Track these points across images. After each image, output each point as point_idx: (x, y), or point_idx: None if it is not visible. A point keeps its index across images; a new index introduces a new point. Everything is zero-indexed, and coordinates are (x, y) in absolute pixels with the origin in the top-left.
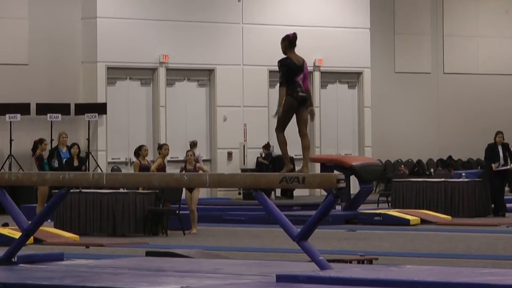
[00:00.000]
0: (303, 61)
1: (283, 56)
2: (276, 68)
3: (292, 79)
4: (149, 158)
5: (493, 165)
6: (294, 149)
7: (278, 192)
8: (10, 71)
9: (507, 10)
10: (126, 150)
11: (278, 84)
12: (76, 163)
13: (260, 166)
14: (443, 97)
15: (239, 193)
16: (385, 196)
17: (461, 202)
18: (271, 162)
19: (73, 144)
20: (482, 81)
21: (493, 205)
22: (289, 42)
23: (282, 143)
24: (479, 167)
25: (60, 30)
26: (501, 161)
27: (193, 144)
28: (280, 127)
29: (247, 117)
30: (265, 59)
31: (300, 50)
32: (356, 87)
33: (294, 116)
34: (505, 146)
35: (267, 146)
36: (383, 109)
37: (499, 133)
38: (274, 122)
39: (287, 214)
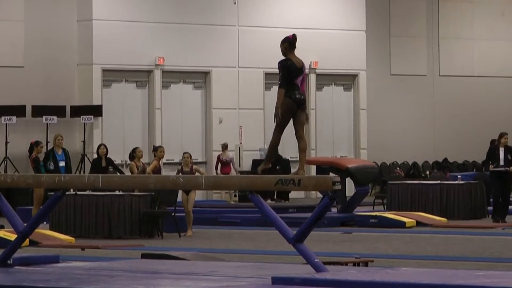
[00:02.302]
0: (303, 63)
1: (283, 57)
2: (272, 70)
3: (292, 81)
4: (144, 160)
5: (491, 166)
6: (292, 151)
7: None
8: (5, 73)
9: (503, 12)
10: (121, 152)
11: (276, 86)
12: (104, 163)
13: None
14: (438, 99)
15: (235, 195)
16: (380, 198)
17: (457, 205)
18: (276, 163)
19: (100, 145)
20: (477, 84)
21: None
22: (289, 44)
23: (274, 144)
24: (474, 170)
25: (55, 32)
26: (501, 163)
27: (225, 147)
28: (279, 129)
29: (243, 119)
30: (261, 61)
31: (296, 52)
32: (352, 89)
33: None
34: (508, 149)
35: None
36: (378, 111)
37: (504, 134)
38: (270, 124)
39: (282, 216)
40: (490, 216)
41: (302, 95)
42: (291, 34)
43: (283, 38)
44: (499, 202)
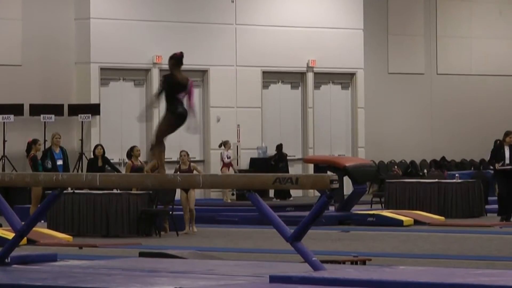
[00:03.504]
0: (187, 80)
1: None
2: (270, 69)
3: (173, 96)
4: (142, 158)
5: (497, 164)
6: (290, 150)
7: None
8: (3, 72)
9: (500, 11)
10: (119, 151)
11: (273, 85)
12: (100, 163)
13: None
14: (436, 98)
15: (233, 194)
16: (378, 197)
17: (455, 203)
18: (278, 160)
19: (97, 145)
20: (475, 82)
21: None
22: (175, 61)
23: (160, 153)
24: (472, 168)
25: (53, 31)
26: (507, 161)
27: (223, 144)
28: (159, 141)
29: (241, 118)
30: (259, 59)
31: (293, 51)
32: (350, 88)
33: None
34: None
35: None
36: (376, 110)
37: (510, 133)
38: (268, 122)
39: (280, 215)
40: (486, 214)
41: (184, 109)
42: (179, 51)
43: (171, 54)
44: (504, 200)
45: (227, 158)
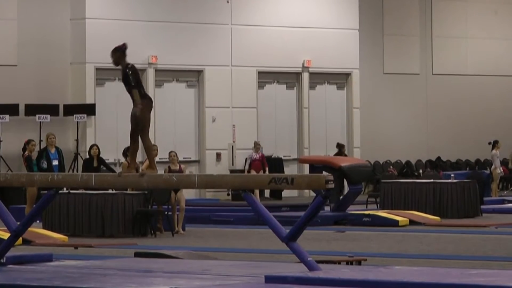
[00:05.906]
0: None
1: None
2: (265, 69)
3: (140, 83)
4: (138, 159)
5: None
6: (286, 150)
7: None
8: None
9: (496, 11)
10: (115, 151)
11: (269, 85)
12: (95, 163)
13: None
14: (432, 98)
15: (228, 194)
16: (373, 197)
17: (450, 203)
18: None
19: (93, 145)
20: (471, 82)
21: None
22: (121, 52)
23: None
24: (467, 168)
25: (49, 31)
26: None
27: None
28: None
29: (236, 118)
30: (254, 59)
31: (289, 51)
32: (345, 88)
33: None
34: None
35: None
36: (372, 110)
37: None
38: (263, 122)
39: (276, 215)
40: (482, 214)
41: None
42: (122, 43)
43: (114, 47)
44: None
45: (255, 159)
